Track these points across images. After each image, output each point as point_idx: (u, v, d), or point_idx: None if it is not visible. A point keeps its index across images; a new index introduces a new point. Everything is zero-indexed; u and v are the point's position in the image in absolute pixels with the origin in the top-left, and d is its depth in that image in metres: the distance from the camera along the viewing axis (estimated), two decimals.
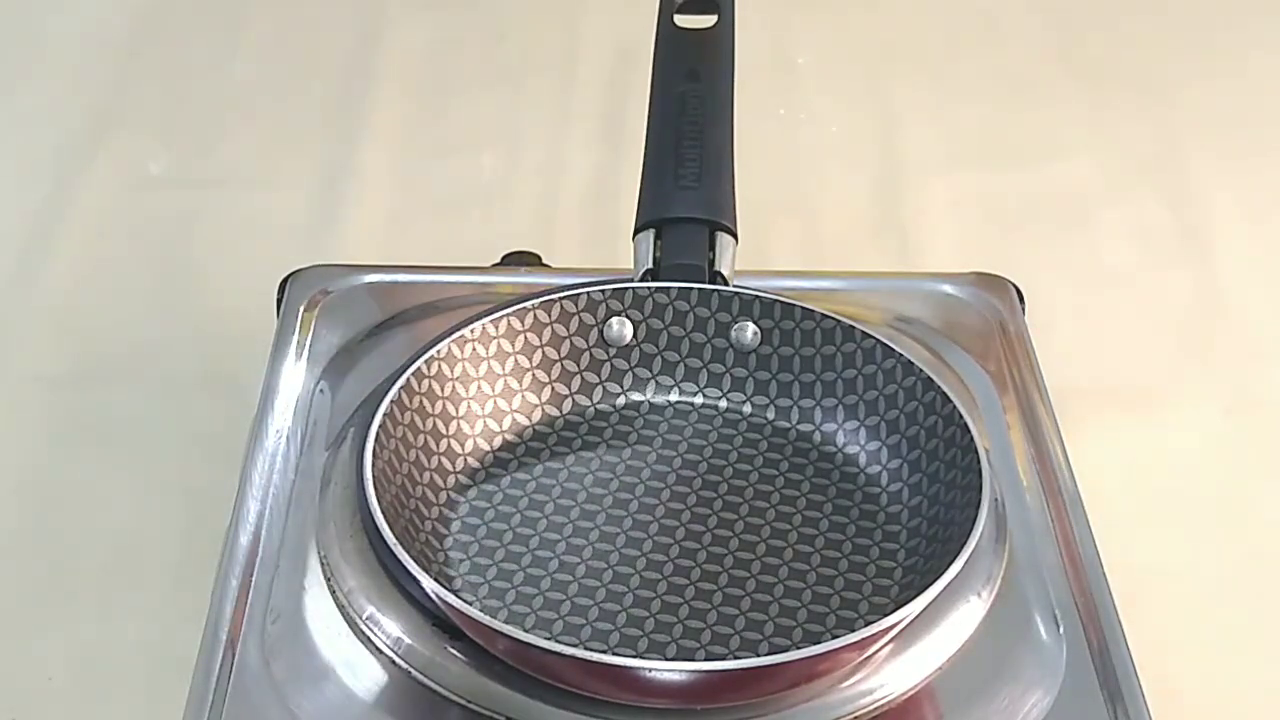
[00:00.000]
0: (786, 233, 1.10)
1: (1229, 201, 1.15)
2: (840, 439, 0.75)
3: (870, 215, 1.14)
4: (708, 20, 0.86)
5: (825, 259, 1.08)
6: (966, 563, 0.63)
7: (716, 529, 0.70)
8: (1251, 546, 0.89)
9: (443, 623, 0.64)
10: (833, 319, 0.75)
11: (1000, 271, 0.88)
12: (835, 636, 0.64)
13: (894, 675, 0.64)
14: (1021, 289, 0.87)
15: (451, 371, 0.73)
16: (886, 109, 1.24)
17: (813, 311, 0.76)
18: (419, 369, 0.72)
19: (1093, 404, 0.95)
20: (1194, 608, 0.85)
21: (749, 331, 0.76)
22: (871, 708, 0.64)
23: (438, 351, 0.73)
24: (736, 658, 0.64)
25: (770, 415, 0.76)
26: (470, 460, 0.73)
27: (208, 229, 1.10)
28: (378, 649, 0.65)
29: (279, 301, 0.85)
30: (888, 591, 0.68)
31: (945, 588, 0.62)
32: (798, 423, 0.76)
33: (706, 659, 0.64)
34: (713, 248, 0.78)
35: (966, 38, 1.33)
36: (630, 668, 0.61)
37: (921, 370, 0.72)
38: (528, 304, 0.75)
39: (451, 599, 0.61)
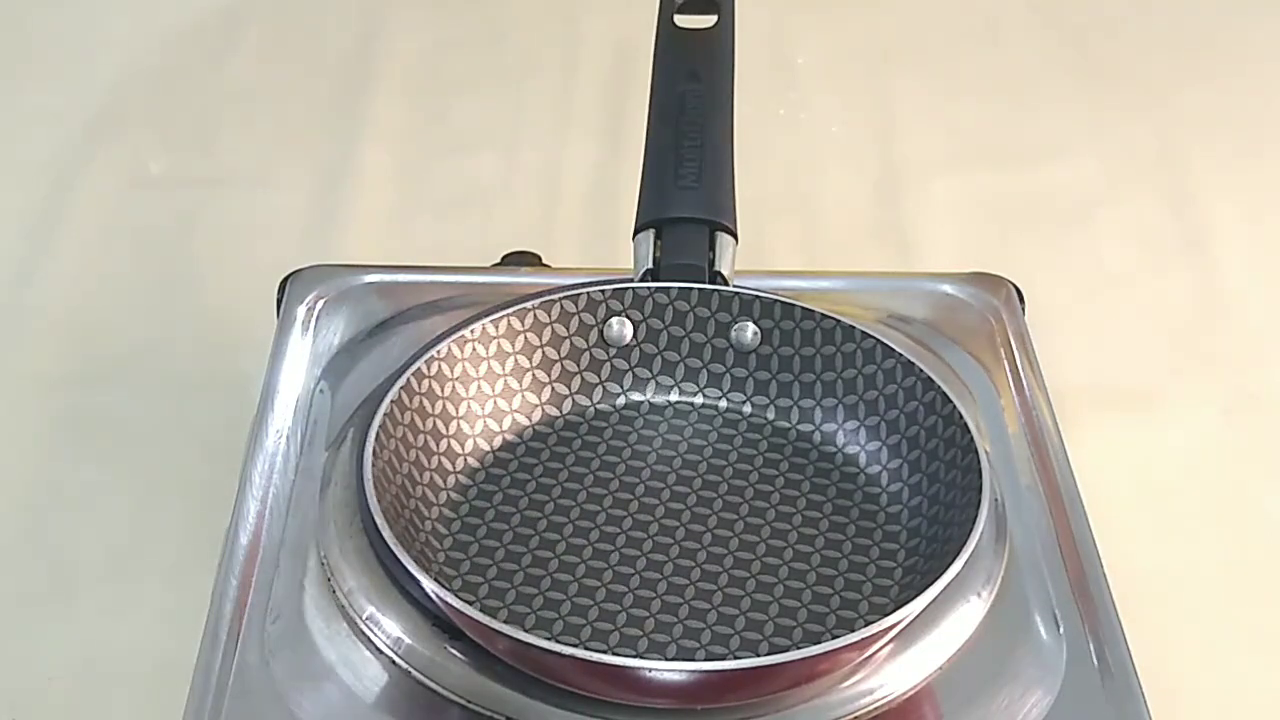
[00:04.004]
0: (786, 233, 1.10)
1: (1229, 201, 1.15)
2: (840, 439, 0.75)
3: (870, 215, 1.14)
4: (708, 20, 0.86)
5: (825, 259, 1.08)
6: (966, 563, 0.63)
7: (716, 529, 0.70)
8: (1251, 546, 0.89)
9: (443, 623, 0.64)
10: (833, 319, 0.75)
11: (1000, 271, 0.88)
12: (835, 636, 0.64)
13: (894, 675, 0.64)
14: (1021, 289, 0.87)
15: (451, 371, 0.73)
16: (886, 109, 1.24)
17: (813, 311, 0.76)
18: (419, 369, 0.72)
19: (1093, 404, 0.95)
20: (1194, 608, 0.85)
21: (749, 331, 0.76)
22: (871, 708, 0.64)
23: (438, 351, 0.73)
24: (736, 658, 0.64)
25: (770, 415, 0.76)
26: (470, 460, 0.73)
27: (208, 229, 1.10)
28: (378, 649, 0.65)
29: (279, 301, 0.85)
30: (888, 591, 0.68)
31: (945, 588, 0.62)
32: (798, 423, 0.76)
33: (706, 659, 0.64)
34: (713, 248, 0.78)
35: (966, 38, 1.33)
36: (630, 668, 0.61)
37: (921, 370, 0.72)
38: (528, 304, 0.75)
39: (451, 599, 0.61)
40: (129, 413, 0.95)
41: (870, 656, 0.64)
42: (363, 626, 0.65)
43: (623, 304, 0.77)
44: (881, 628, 0.61)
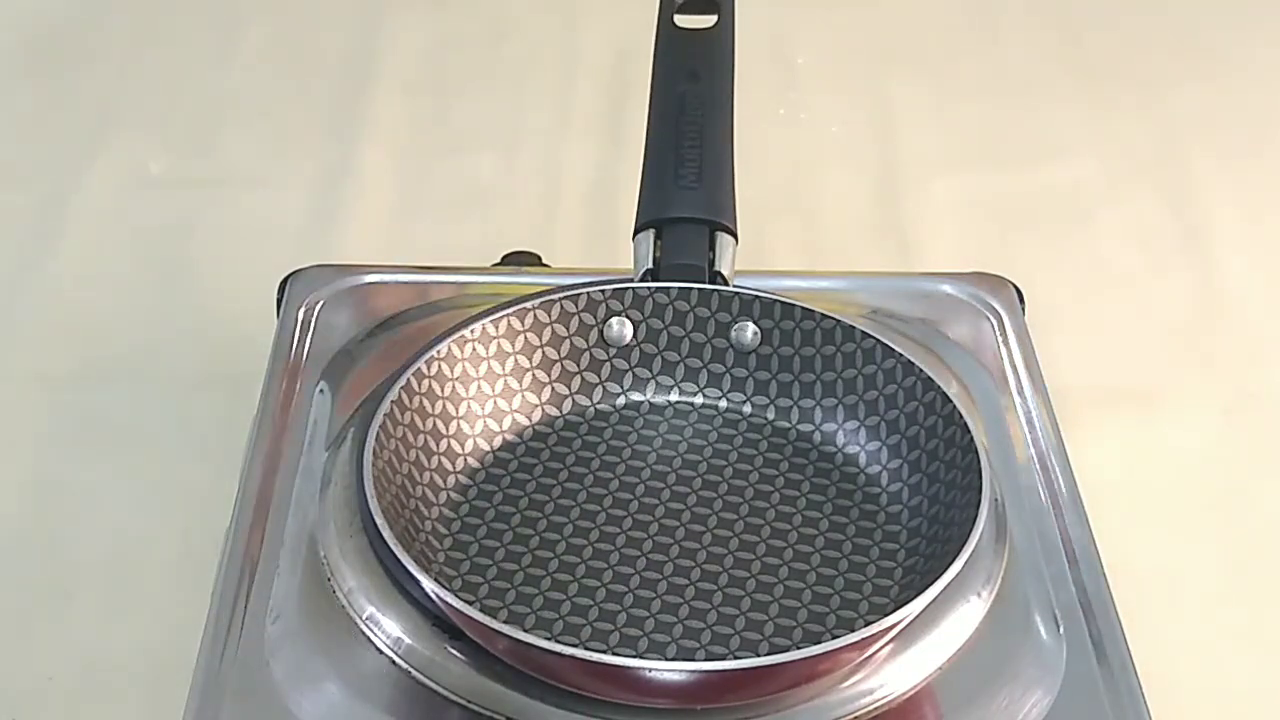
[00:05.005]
0: (786, 233, 1.10)
1: (1229, 201, 1.15)
2: (840, 439, 0.75)
3: (870, 215, 1.14)
4: (708, 20, 0.86)
5: (825, 259, 1.08)
6: (966, 563, 0.63)
7: (716, 529, 0.70)
8: (1251, 546, 0.90)
9: (443, 623, 0.64)
10: (833, 319, 0.75)
11: (1000, 271, 0.88)
12: (835, 636, 0.64)
13: (894, 675, 0.64)
14: (1021, 289, 0.87)
15: (451, 371, 0.73)
16: (886, 109, 1.24)
17: (813, 311, 0.76)
18: (419, 369, 0.72)
19: (1093, 404, 0.95)
20: (1194, 608, 0.86)
21: (749, 331, 0.76)
22: (871, 708, 0.64)
23: (438, 351, 0.73)
24: (736, 658, 0.64)
25: (770, 415, 0.76)
26: (470, 460, 0.73)
27: (208, 229, 1.11)
28: (378, 649, 0.65)
29: (279, 301, 0.85)
30: (888, 591, 0.68)
31: (945, 588, 0.62)
32: (798, 423, 0.76)
33: (706, 659, 0.64)
34: (713, 248, 0.78)
35: (966, 38, 1.33)
36: (630, 668, 0.61)
37: (921, 370, 0.72)
38: (528, 304, 0.75)
39: (451, 599, 0.61)
40: (129, 413, 0.95)
41: (870, 656, 0.64)
42: (363, 626, 0.65)
43: (623, 304, 0.77)
44: (881, 628, 0.61)
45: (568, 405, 0.76)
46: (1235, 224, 1.13)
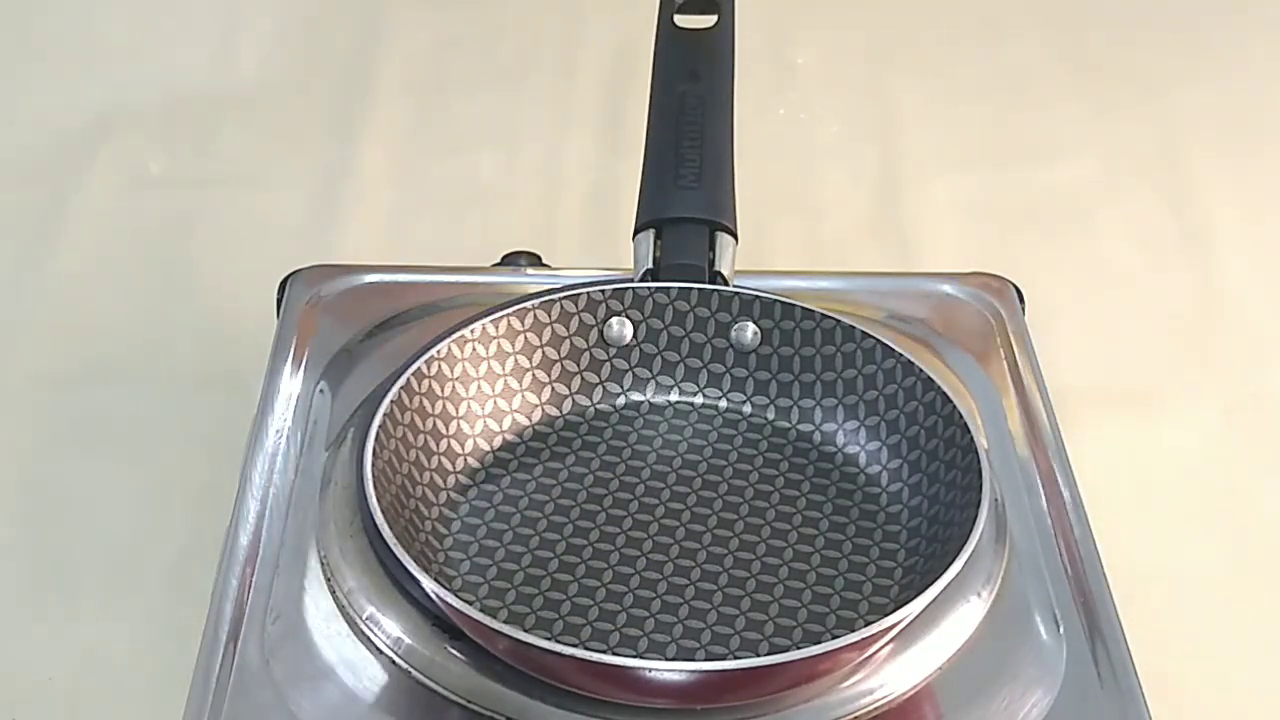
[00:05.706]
0: (786, 233, 1.10)
1: (1229, 201, 1.15)
2: (840, 439, 0.75)
3: (870, 215, 1.14)
4: (708, 20, 0.86)
5: (825, 259, 1.08)
6: (966, 563, 0.63)
7: (716, 529, 0.70)
8: (1251, 545, 0.89)
9: (443, 623, 0.64)
10: (833, 319, 0.75)
11: (1000, 271, 0.88)
12: (835, 636, 0.64)
13: (894, 675, 0.64)
14: (1021, 289, 0.87)
15: (451, 371, 0.73)
16: (886, 109, 1.24)
17: (813, 311, 0.76)
18: (419, 369, 0.72)
19: (1093, 404, 0.95)
20: (1194, 608, 0.85)
21: (749, 331, 0.76)
22: (871, 708, 0.64)
23: (438, 351, 0.73)
24: (736, 658, 0.64)
25: (770, 415, 0.76)
26: (470, 460, 0.73)
27: (208, 229, 1.10)
28: (378, 649, 0.65)
29: (279, 301, 0.85)
30: (888, 591, 0.68)
31: (945, 588, 0.62)
32: (798, 423, 0.76)
33: (706, 659, 0.64)
34: (713, 248, 0.78)
35: (966, 38, 1.33)
36: (630, 668, 0.61)
37: (921, 370, 0.72)
38: (528, 304, 0.75)
39: (451, 599, 0.61)
40: (129, 413, 0.95)
41: (870, 656, 0.64)
42: (363, 626, 0.65)
43: (623, 304, 0.77)
44: (881, 628, 0.61)
45: (568, 405, 0.76)
46: (1235, 224, 1.13)
